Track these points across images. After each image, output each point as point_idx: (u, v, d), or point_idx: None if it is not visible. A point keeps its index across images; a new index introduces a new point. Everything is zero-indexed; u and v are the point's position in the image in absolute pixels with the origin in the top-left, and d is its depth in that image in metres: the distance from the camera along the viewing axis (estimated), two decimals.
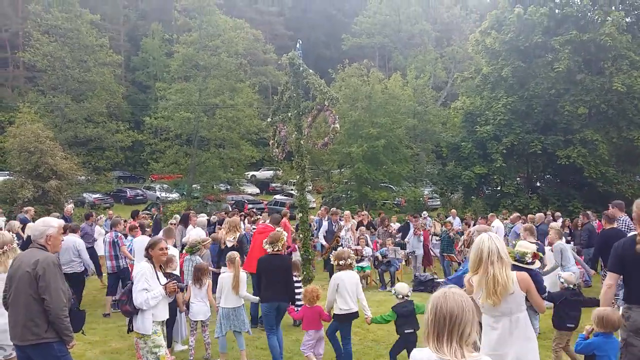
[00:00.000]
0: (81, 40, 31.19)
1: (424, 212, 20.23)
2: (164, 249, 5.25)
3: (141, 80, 47.01)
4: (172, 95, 30.73)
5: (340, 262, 6.31)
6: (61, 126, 29.92)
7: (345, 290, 6.13)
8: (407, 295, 6.19)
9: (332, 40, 54.69)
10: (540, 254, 5.07)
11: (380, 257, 12.63)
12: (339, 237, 12.90)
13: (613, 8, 24.95)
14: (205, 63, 31.29)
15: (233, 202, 30.86)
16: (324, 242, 12.71)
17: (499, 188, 27.90)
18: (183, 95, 30.57)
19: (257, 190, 39.77)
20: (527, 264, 4.67)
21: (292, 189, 32.85)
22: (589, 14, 25.71)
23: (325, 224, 13.39)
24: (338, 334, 6.39)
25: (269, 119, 13.03)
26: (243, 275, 6.80)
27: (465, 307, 2.25)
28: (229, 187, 34.66)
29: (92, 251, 11.40)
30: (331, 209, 14.51)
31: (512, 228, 14.08)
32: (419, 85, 33.79)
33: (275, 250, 6.60)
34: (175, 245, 8.96)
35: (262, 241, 8.04)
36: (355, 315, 6.25)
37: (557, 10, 26.66)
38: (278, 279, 6.51)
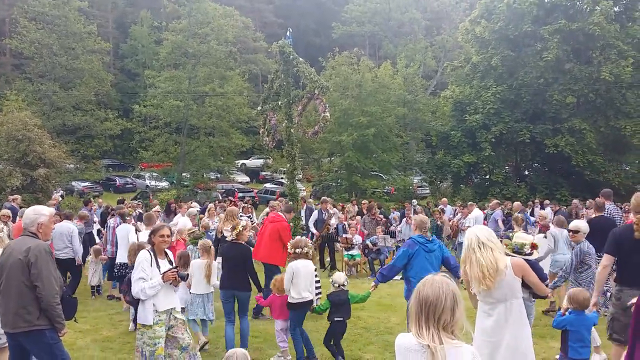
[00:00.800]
0: (69, 28, 30.85)
1: (414, 200, 20.37)
2: (165, 235, 5.15)
3: (130, 68, 46.53)
4: (161, 83, 30.51)
5: (297, 251, 6.30)
6: (49, 114, 29.63)
7: (300, 279, 6.15)
8: (343, 285, 6.24)
9: (322, 29, 54.40)
10: (538, 244, 5.17)
11: (370, 245, 12.72)
12: (329, 225, 12.98)
13: None
14: (194, 51, 31.07)
15: (223, 190, 30.81)
16: (315, 231, 12.79)
17: (487, 177, 28.14)
18: (172, 83, 30.36)
19: (247, 179, 39.71)
20: (526, 254, 4.71)
21: (282, 178, 32.85)
22: (577, 3, 25.84)
23: (315, 212, 13.47)
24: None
25: (259, 107, 13.06)
26: (215, 263, 6.88)
27: (442, 294, 2.27)
28: (219, 175, 34.60)
29: (90, 236, 11.48)
30: (322, 198, 14.61)
31: (491, 215, 14.37)
32: (409, 74, 33.80)
33: (232, 238, 6.58)
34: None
35: (272, 230, 8.10)
36: (309, 303, 6.28)
37: (546, 0, 26.77)
38: (235, 268, 6.47)
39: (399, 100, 31.22)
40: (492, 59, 26.71)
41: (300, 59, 11.50)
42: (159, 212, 12.06)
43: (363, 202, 17.12)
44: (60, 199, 15.52)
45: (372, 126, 27.25)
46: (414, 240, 6.04)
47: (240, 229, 6.55)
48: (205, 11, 31.86)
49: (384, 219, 15.21)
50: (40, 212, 4.46)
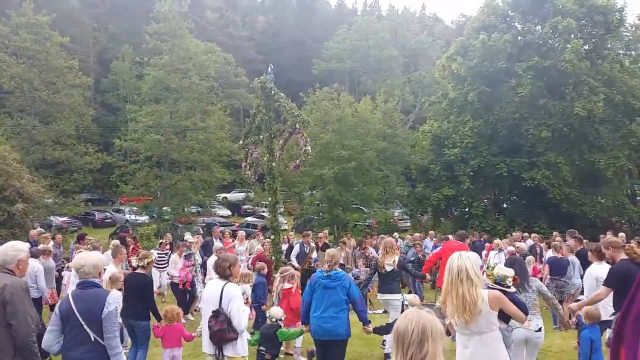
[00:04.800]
0: (50, 62, 30.81)
1: (395, 233, 20.42)
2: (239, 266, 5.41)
3: (111, 103, 46.52)
4: (142, 118, 30.51)
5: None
6: (28, 148, 29.30)
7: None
8: (277, 320, 6.41)
9: (302, 65, 55.30)
10: (517, 277, 5.24)
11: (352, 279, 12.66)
12: (311, 259, 12.96)
13: (572, 36, 26.05)
14: (176, 86, 31.24)
15: (204, 224, 30.59)
16: (296, 264, 12.74)
17: (467, 209, 28.41)
18: (153, 117, 30.38)
19: (229, 212, 39.56)
20: (507, 287, 4.65)
21: (264, 211, 32.77)
22: (549, 41, 26.74)
23: (297, 246, 13.46)
24: None
25: (240, 141, 13.15)
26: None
27: (410, 326, 2.25)
28: (200, 209, 34.37)
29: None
30: (303, 232, 14.62)
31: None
32: (388, 109, 34.38)
33: (140, 266, 6.84)
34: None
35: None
36: None
37: (519, 37, 27.66)
38: (134, 296, 6.68)
39: (378, 135, 31.66)
40: (468, 94, 27.31)
41: (282, 94, 11.68)
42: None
43: (347, 234, 17.14)
44: (38, 234, 15.15)
45: (353, 160, 27.50)
46: (315, 274, 6.19)
47: (151, 260, 7.06)
48: (187, 47, 32.21)
49: (371, 254, 15.16)
50: (20, 249, 4.43)
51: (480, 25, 28.29)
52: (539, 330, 5.79)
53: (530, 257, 11.64)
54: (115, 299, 4.18)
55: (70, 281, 9.18)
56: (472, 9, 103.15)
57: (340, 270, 6.29)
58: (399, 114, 36.18)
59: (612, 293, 5.96)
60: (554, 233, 17.10)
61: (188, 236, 13.79)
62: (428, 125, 31.37)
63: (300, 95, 32.13)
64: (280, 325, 6.38)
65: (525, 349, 5.90)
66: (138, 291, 6.62)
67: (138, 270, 6.89)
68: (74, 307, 4.01)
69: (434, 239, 16.87)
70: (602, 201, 27.66)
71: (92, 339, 3.99)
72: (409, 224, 32.11)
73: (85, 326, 3.99)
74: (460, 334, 4.10)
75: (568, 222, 23.43)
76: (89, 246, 10.45)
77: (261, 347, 6.26)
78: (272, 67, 12.57)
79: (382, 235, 15.00)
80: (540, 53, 26.04)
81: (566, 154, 26.00)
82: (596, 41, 27.11)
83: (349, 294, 5.96)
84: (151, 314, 6.93)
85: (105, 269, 8.25)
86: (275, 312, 6.46)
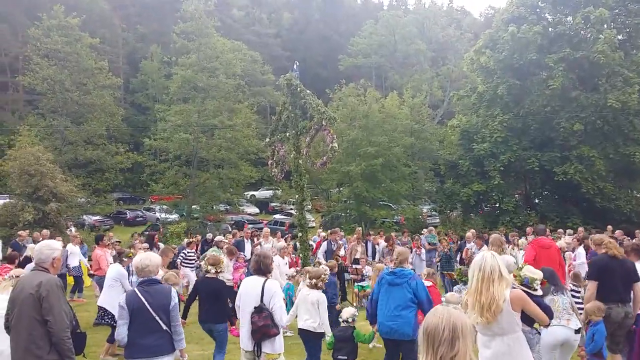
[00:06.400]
0: (81, 64, 31.42)
1: (424, 230, 20.25)
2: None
3: (140, 102, 47.23)
4: (171, 117, 30.90)
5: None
6: (61, 148, 29.98)
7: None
8: (347, 321, 6.12)
9: (328, 61, 55.18)
10: (546, 281, 5.07)
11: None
12: (338, 256, 12.93)
13: (605, 26, 25.33)
14: (203, 84, 31.52)
15: (233, 222, 30.86)
16: (324, 262, 12.73)
17: (497, 205, 27.99)
18: (182, 116, 30.73)
19: (257, 210, 39.79)
20: (534, 290, 4.57)
21: (291, 208, 32.86)
22: (581, 32, 26.04)
23: (324, 243, 13.47)
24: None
25: (267, 139, 13.14)
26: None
27: (440, 325, 2.20)
28: (228, 207, 34.66)
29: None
30: (330, 229, 14.60)
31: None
32: (415, 104, 34.06)
33: (215, 272, 6.83)
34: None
35: (553, 253, 7.90)
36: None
37: (550, 29, 27.04)
38: (209, 301, 6.66)
39: (406, 130, 31.37)
40: (497, 88, 26.86)
41: (308, 91, 11.62)
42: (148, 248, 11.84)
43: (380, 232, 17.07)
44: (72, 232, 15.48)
45: (380, 156, 27.35)
46: (383, 272, 6.05)
47: (221, 267, 7.06)
48: (214, 46, 32.44)
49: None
50: (54, 248, 4.55)
51: (510, 17, 27.76)
52: (578, 331, 5.57)
53: (568, 253, 11.36)
54: (176, 294, 4.80)
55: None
56: (500, 0, 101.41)
57: (408, 268, 6.01)
58: (426, 109, 35.82)
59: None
60: (579, 229, 16.67)
61: (218, 237, 13.88)
62: (457, 120, 30.97)
63: (327, 91, 32.07)
64: (354, 327, 6.15)
65: (559, 351, 5.63)
66: (213, 296, 6.67)
67: (210, 275, 6.89)
68: (144, 302, 4.58)
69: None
70: (638, 195, 26.93)
71: (163, 328, 4.61)
72: (438, 220, 31.78)
73: (156, 317, 4.59)
74: (482, 335, 4.01)
75: (602, 217, 22.89)
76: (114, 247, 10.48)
77: (340, 356, 5.95)
78: (298, 64, 12.54)
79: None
80: (571, 44, 25.41)
81: (600, 147, 25.35)
82: (630, 31, 26.36)
83: (416, 295, 5.65)
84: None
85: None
86: (346, 312, 6.25)
